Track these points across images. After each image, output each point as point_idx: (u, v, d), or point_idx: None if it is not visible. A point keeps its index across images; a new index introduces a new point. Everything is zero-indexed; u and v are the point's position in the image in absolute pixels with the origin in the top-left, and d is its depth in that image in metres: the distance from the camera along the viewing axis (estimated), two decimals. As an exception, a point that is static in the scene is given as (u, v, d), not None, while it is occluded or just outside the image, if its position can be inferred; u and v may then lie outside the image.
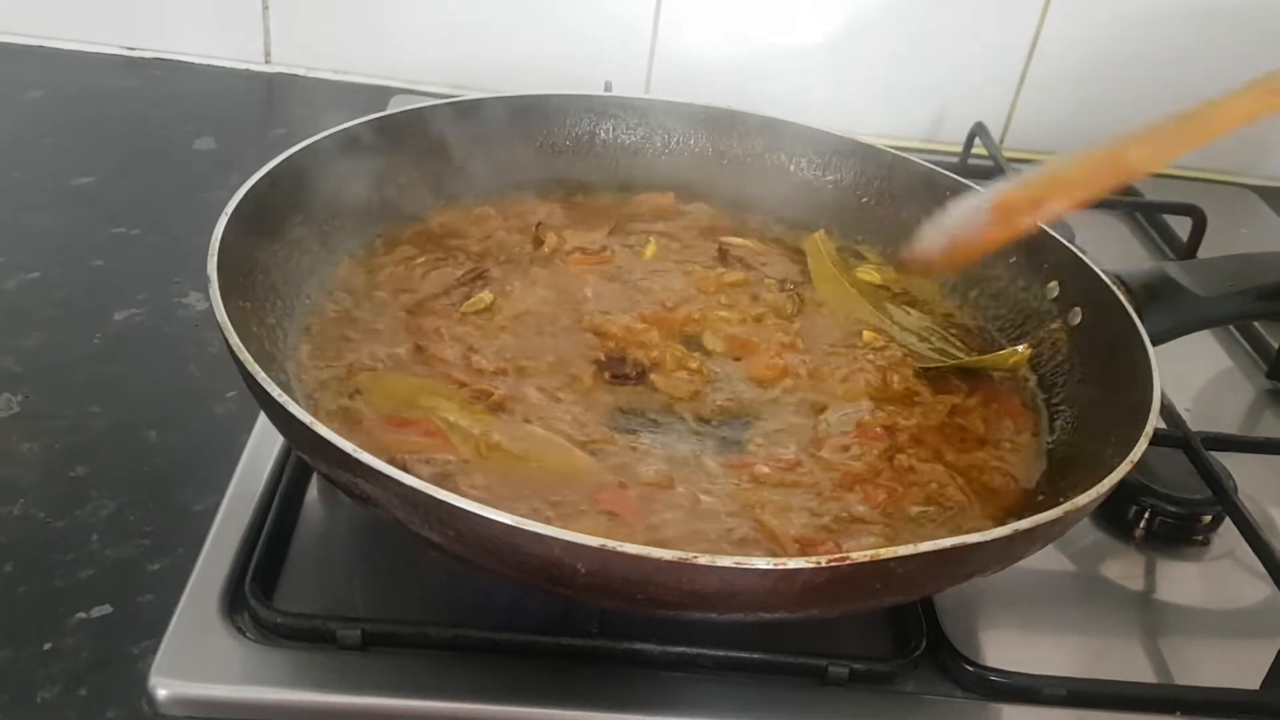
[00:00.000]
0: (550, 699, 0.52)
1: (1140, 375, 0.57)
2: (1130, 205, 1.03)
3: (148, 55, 1.11)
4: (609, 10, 1.08)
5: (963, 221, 0.67)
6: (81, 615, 0.54)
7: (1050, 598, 0.63)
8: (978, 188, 0.75)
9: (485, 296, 0.66)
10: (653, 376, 0.63)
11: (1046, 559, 0.64)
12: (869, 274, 0.75)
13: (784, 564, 0.42)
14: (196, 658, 0.51)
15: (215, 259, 0.54)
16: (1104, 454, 0.54)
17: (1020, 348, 0.67)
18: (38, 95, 1.02)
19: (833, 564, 0.42)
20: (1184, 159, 1.14)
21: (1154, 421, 0.53)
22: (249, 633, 0.53)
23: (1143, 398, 0.55)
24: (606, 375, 0.62)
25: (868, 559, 0.42)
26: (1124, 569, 0.65)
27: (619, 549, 0.41)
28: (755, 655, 0.54)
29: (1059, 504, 0.47)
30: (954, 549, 0.43)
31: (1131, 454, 0.50)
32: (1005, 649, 0.58)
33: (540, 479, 0.54)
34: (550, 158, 0.80)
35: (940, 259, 0.68)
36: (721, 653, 0.54)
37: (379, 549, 0.59)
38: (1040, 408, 0.65)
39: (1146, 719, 0.55)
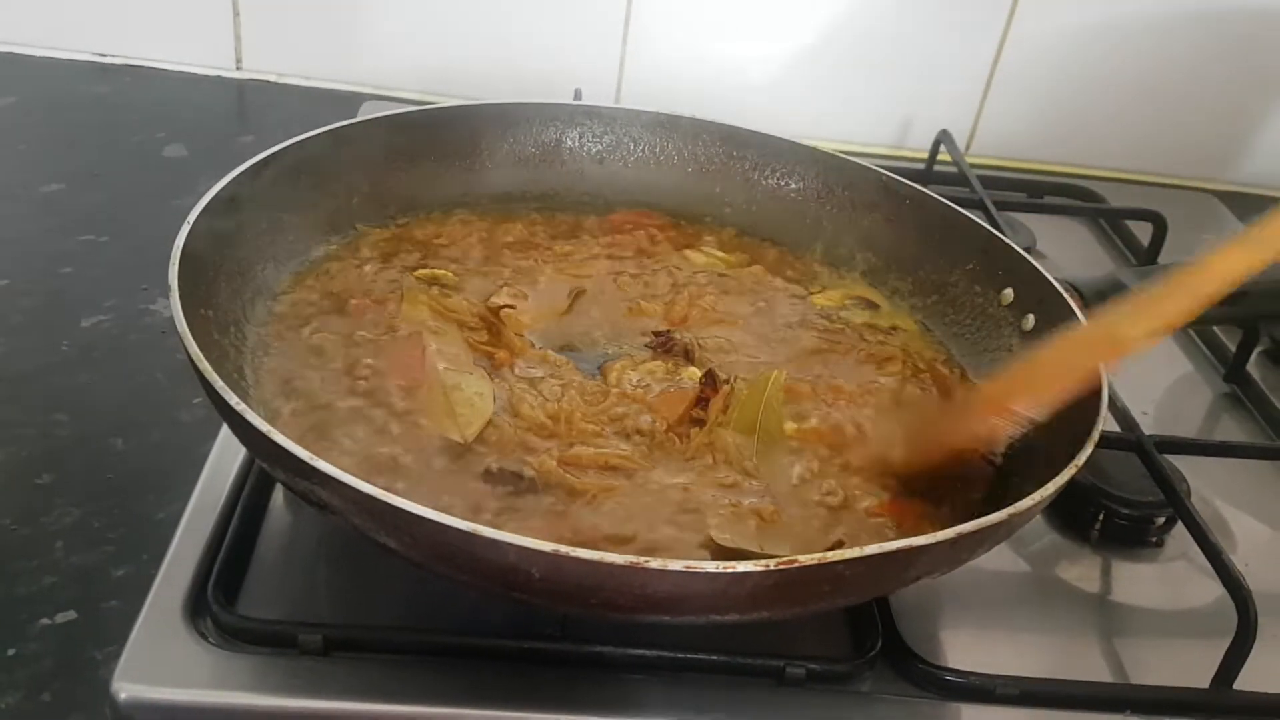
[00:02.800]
0: (512, 702, 0.52)
1: (1089, 380, 0.58)
2: (1093, 211, 1.05)
3: (118, 62, 1.11)
4: (579, 20, 1.08)
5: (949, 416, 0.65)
6: (45, 621, 0.55)
7: (1006, 598, 0.64)
8: (937, 197, 0.76)
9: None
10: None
11: (1002, 560, 0.65)
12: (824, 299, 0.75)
13: (733, 567, 0.42)
14: (159, 663, 0.52)
15: (177, 266, 0.54)
16: (1054, 458, 0.55)
17: None
18: (8, 102, 1.02)
19: (781, 567, 0.43)
20: (1147, 164, 1.16)
21: (1100, 427, 0.54)
22: (211, 638, 0.53)
23: (1092, 402, 0.56)
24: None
25: (815, 562, 0.43)
26: (1079, 570, 0.66)
27: (572, 554, 0.42)
28: (714, 657, 0.55)
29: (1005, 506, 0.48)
30: (899, 552, 0.44)
31: (1076, 458, 0.51)
32: (962, 649, 0.59)
33: None
34: (517, 166, 0.80)
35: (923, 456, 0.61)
36: (681, 654, 0.54)
37: (342, 555, 0.59)
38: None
39: (1098, 717, 0.56)
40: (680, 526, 0.54)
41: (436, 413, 0.59)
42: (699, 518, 0.55)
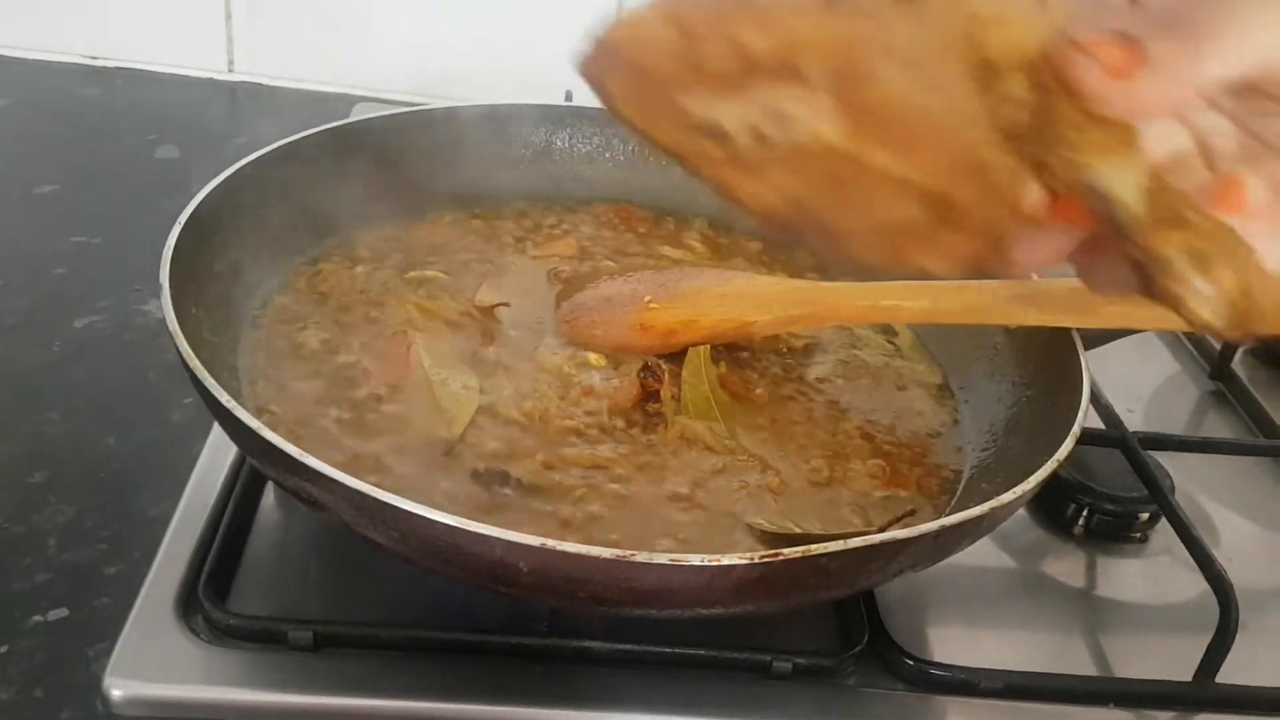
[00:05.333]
0: (500, 697, 0.53)
1: (1072, 377, 0.59)
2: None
3: (111, 64, 1.12)
4: (570, 22, 1.08)
5: (612, 311, 0.67)
6: (38, 618, 0.55)
7: (992, 594, 0.64)
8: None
9: None
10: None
11: (988, 556, 0.66)
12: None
13: (718, 560, 0.43)
14: (151, 658, 0.52)
15: (168, 266, 0.55)
16: (1037, 453, 0.55)
17: None
18: (1, 104, 1.03)
19: (765, 560, 0.43)
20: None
21: (1081, 422, 0.55)
22: (203, 634, 0.53)
23: (1074, 399, 0.57)
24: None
25: (799, 555, 0.43)
26: (1064, 566, 0.67)
27: (559, 548, 0.43)
28: (701, 651, 0.55)
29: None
30: (883, 544, 0.45)
31: (1058, 452, 0.52)
32: (948, 644, 0.59)
33: None
34: (508, 167, 0.81)
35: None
36: (668, 649, 0.55)
37: (332, 553, 0.59)
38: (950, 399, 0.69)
39: (1082, 710, 0.57)
40: (704, 519, 0.56)
41: (423, 409, 0.59)
42: (715, 509, 0.57)
